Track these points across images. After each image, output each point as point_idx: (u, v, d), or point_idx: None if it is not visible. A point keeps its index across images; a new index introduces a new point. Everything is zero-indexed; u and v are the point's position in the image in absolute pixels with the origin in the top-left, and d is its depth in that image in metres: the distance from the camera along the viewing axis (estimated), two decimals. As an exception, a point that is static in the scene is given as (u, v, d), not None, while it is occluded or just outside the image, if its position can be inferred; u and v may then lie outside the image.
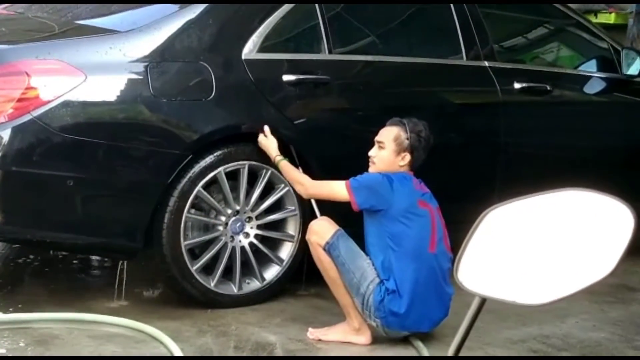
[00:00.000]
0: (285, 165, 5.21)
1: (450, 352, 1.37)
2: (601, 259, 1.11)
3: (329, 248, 4.99)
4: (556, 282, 1.17)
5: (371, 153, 5.08)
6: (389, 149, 5.03)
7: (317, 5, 5.71)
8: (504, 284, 1.23)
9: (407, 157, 5.02)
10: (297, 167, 5.35)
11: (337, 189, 5.03)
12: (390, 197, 4.92)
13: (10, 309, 5.18)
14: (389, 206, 4.92)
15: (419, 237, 4.94)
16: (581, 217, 1.15)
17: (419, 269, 4.89)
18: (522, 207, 1.26)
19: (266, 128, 5.25)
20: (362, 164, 5.11)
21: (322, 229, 5.05)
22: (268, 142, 5.25)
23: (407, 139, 5.01)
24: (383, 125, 5.12)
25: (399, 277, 4.88)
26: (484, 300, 1.29)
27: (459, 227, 5.32)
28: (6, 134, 4.92)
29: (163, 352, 4.76)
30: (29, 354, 4.69)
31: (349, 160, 5.27)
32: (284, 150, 5.29)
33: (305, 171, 5.36)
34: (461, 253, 1.31)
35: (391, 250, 4.92)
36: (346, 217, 5.05)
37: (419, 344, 4.94)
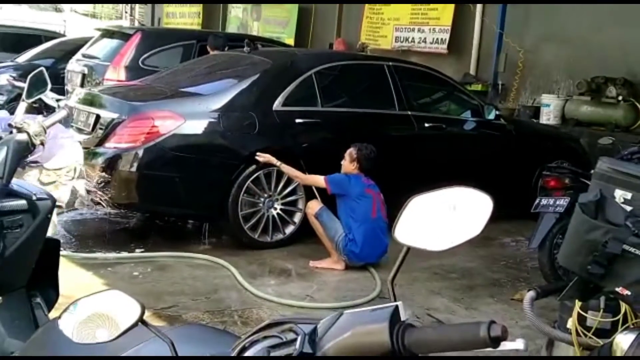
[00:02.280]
0: (285, 167, 5.19)
1: (390, 276, 1.29)
2: (474, 224, 1.17)
3: (317, 216, 5.08)
4: (450, 237, 1.21)
5: (342, 162, 5.15)
6: (347, 160, 5.11)
7: (314, 80, 5.71)
8: (420, 238, 1.24)
9: (356, 164, 5.08)
10: (303, 170, 5.30)
11: (319, 181, 5.08)
12: (348, 187, 5.01)
13: (143, 249, 5.21)
14: (348, 192, 5.00)
15: (365, 209, 4.99)
16: (465, 200, 1.19)
17: (366, 227, 4.95)
18: (432, 195, 1.26)
19: (259, 153, 5.12)
20: (337, 167, 5.16)
21: (313, 205, 5.14)
22: (267, 157, 5.13)
23: (355, 154, 5.10)
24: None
25: (355, 232, 4.94)
26: (409, 248, 1.26)
27: (395, 205, 5.46)
28: (140, 152, 5.00)
29: (228, 275, 4.74)
30: (154, 276, 4.67)
31: (330, 165, 5.19)
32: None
33: (307, 170, 5.33)
34: (396, 221, 1.29)
35: (350, 217, 4.99)
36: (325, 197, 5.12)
37: (372, 269, 5.01)
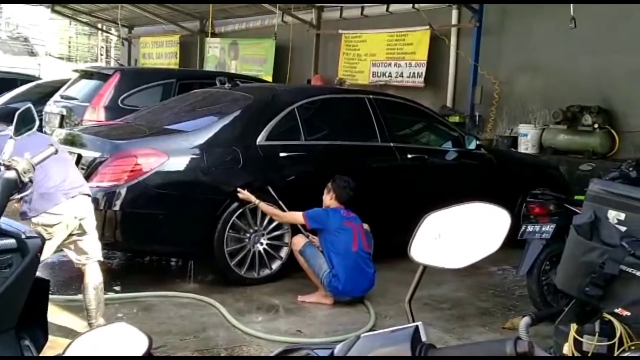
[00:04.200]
0: (263, 205, 5.18)
1: (407, 299, 1.26)
2: (493, 240, 1.12)
3: (301, 252, 5.05)
4: (466, 255, 1.16)
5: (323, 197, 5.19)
6: (325, 194, 5.16)
7: (297, 114, 5.72)
8: (436, 257, 1.20)
9: (332, 195, 5.11)
10: (277, 202, 5.26)
11: (298, 218, 5.07)
12: (326, 221, 5.00)
13: (127, 290, 5.10)
14: (326, 226, 4.99)
15: (345, 242, 4.96)
16: (480, 217, 1.16)
17: (347, 260, 4.93)
18: (445, 212, 1.23)
19: (239, 189, 5.09)
20: (322, 201, 5.18)
21: (298, 241, 5.12)
22: (246, 195, 5.10)
23: (330, 185, 5.13)
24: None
25: (337, 266, 4.90)
26: (425, 267, 1.23)
27: (382, 236, 5.44)
28: (124, 191, 4.92)
29: (216, 313, 4.66)
30: (139, 317, 4.55)
31: (315, 198, 5.19)
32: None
33: (291, 205, 5.27)
34: (411, 240, 1.25)
35: (331, 251, 4.96)
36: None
37: (366, 301, 4.98)
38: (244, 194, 5.13)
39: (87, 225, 4.11)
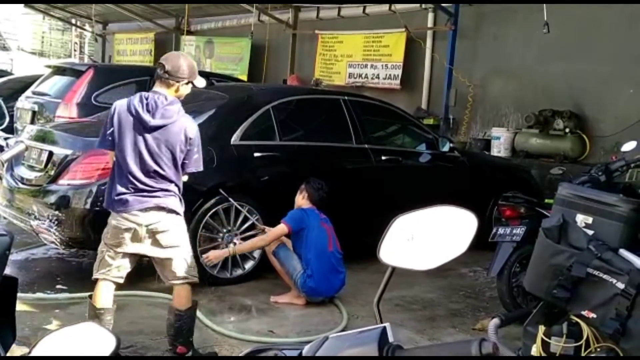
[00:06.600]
0: (241, 246, 5.08)
1: (375, 300, 1.28)
2: (460, 242, 1.14)
3: (274, 253, 5.05)
4: (434, 257, 1.16)
5: (295, 199, 5.20)
6: (298, 195, 5.16)
7: (272, 114, 5.71)
8: (405, 259, 1.21)
9: (306, 195, 5.12)
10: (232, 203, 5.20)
11: (280, 230, 4.99)
12: (307, 219, 5.00)
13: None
14: (307, 224, 4.98)
15: (322, 242, 4.98)
16: (448, 219, 1.16)
17: (322, 260, 4.94)
18: (415, 215, 1.24)
19: (204, 256, 4.91)
20: (293, 201, 5.19)
21: (272, 243, 5.10)
22: (217, 253, 4.94)
23: (304, 186, 5.14)
24: (306, 181, 5.21)
25: (311, 267, 4.91)
26: (394, 269, 1.24)
27: (354, 237, 5.44)
28: (95, 189, 4.84)
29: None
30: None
31: (289, 199, 5.20)
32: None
33: (265, 205, 5.27)
34: (380, 241, 1.26)
35: (307, 251, 4.97)
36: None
37: (337, 302, 5.01)
38: (214, 254, 4.94)
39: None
